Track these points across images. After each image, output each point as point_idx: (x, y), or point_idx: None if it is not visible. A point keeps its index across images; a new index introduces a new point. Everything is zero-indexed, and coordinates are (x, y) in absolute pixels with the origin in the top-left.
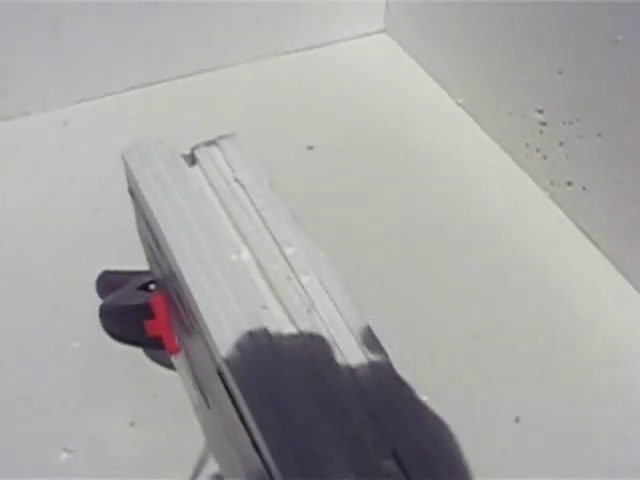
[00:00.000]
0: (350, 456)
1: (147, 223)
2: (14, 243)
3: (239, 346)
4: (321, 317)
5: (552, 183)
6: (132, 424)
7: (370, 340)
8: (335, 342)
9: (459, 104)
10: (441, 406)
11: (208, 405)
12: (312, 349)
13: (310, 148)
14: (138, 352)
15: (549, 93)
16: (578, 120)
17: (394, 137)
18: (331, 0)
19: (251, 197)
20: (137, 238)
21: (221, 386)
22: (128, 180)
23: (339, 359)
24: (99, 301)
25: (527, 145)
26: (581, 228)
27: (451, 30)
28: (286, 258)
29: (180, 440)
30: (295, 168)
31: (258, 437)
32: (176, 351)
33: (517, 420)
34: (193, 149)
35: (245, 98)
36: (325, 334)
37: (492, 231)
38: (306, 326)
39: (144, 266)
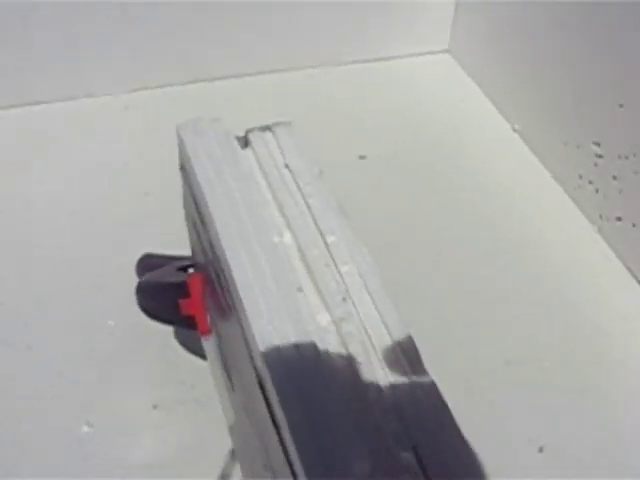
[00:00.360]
0: (369, 444)
1: (194, 198)
2: (66, 222)
3: (275, 335)
4: (355, 306)
5: (601, 217)
6: (155, 407)
7: (404, 339)
8: (369, 337)
9: (515, 130)
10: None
11: (233, 387)
12: (348, 348)
13: (362, 157)
14: (170, 337)
15: (608, 126)
16: (635, 155)
17: (446, 156)
18: (398, 16)
19: (299, 183)
20: (183, 225)
21: (251, 371)
22: (180, 154)
23: (370, 353)
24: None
25: (580, 177)
26: (627, 265)
27: (514, 55)
28: (327, 246)
29: (201, 429)
30: (346, 176)
31: (282, 423)
32: (208, 333)
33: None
34: (247, 132)
35: (304, 103)
36: (357, 324)
37: (537, 262)
38: (339, 313)
39: (187, 252)
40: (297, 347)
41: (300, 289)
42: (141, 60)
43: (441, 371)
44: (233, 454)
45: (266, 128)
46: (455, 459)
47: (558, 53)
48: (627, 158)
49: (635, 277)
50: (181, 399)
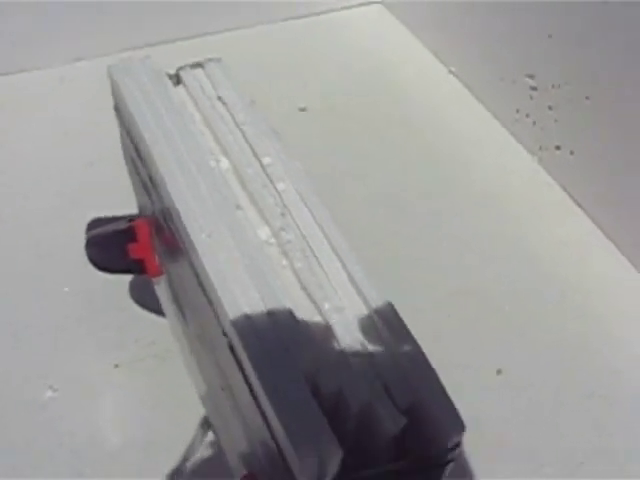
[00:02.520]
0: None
1: (130, 135)
2: (8, 190)
3: (218, 250)
4: (294, 219)
5: (541, 148)
6: (116, 366)
7: (342, 246)
8: (310, 246)
9: (451, 72)
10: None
11: (186, 322)
12: (289, 256)
13: (302, 110)
14: (125, 298)
15: (539, 57)
16: (567, 83)
17: (384, 103)
18: None
19: (232, 113)
20: (131, 194)
21: (201, 295)
22: (113, 94)
23: (311, 261)
24: None
25: (517, 111)
26: (569, 192)
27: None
28: (263, 167)
29: (162, 383)
30: (287, 128)
31: (237, 346)
32: (158, 274)
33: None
34: (178, 69)
35: (239, 62)
36: (297, 234)
37: (480, 197)
38: (279, 225)
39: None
40: (242, 263)
41: (239, 207)
42: (72, 32)
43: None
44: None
45: (197, 65)
46: (421, 384)
47: None
48: (560, 87)
49: (577, 203)
50: (141, 356)
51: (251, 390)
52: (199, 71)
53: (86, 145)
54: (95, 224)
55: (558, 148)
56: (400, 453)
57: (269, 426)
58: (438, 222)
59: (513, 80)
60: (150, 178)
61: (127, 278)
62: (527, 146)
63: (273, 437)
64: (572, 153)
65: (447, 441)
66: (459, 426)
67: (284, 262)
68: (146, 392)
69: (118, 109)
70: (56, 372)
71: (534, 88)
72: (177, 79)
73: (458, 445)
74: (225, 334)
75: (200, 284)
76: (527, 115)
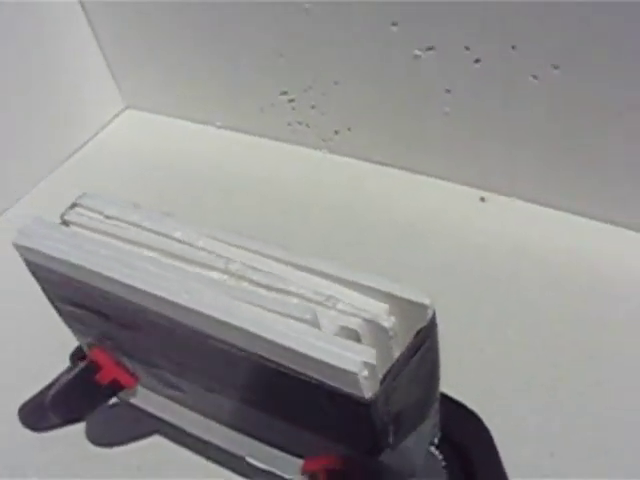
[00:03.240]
0: None
1: (70, 281)
2: None
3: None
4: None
5: (324, 140)
6: None
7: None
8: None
9: (219, 127)
10: None
11: (187, 390)
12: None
13: None
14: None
15: (284, 74)
16: (314, 84)
17: None
18: None
19: (129, 220)
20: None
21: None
22: (29, 264)
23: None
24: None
25: (289, 124)
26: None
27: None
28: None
29: None
30: None
31: None
32: (136, 380)
33: None
34: (62, 216)
35: None
36: (243, 264)
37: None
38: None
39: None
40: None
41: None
42: None
43: None
44: None
45: (74, 205)
46: None
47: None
48: (311, 88)
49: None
50: None
51: (286, 371)
52: (80, 209)
53: None
54: (27, 408)
55: (337, 132)
56: None
57: (318, 382)
58: None
59: (272, 104)
60: (107, 299)
61: None
62: (312, 145)
63: (323, 388)
64: (350, 129)
65: None
66: None
67: (245, 283)
68: None
69: (38, 271)
70: None
71: (292, 100)
72: (66, 224)
73: None
74: (244, 349)
75: (198, 332)
76: (299, 123)
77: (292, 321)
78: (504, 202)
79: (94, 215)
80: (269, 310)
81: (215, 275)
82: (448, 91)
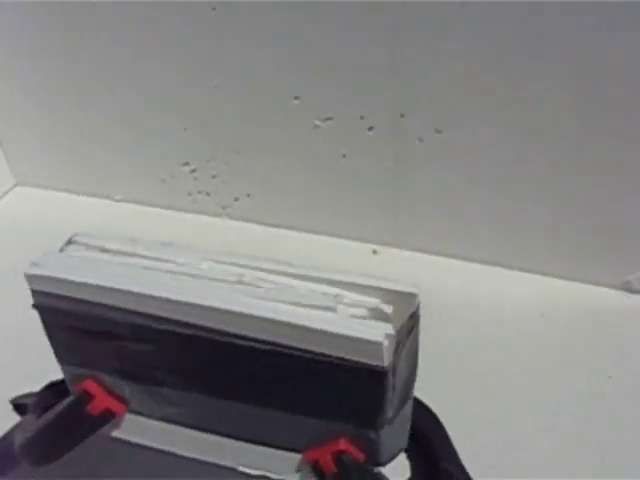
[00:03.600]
0: None
1: (88, 307)
2: None
3: None
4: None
5: (223, 207)
6: None
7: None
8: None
9: (118, 200)
10: None
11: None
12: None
13: None
14: None
15: (187, 146)
16: (214, 157)
17: None
18: None
19: (130, 252)
20: None
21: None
22: (36, 296)
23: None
24: None
25: (190, 194)
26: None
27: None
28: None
29: None
30: None
31: None
32: (126, 407)
33: None
34: (60, 251)
35: None
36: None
37: None
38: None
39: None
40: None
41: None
42: None
43: None
44: None
45: (69, 242)
46: None
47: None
48: (214, 159)
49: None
50: None
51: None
52: (77, 246)
53: None
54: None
55: (237, 199)
56: None
57: (337, 359)
58: None
59: (172, 175)
60: (123, 317)
61: None
62: (210, 213)
63: (340, 362)
64: (249, 196)
65: None
66: None
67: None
68: None
69: (48, 300)
70: None
71: (193, 170)
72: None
73: None
74: (264, 341)
75: (217, 331)
76: (199, 192)
77: (311, 309)
78: (394, 253)
79: (93, 249)
80: (288, 303)
81: (229, 285)
82: (344, 156)
